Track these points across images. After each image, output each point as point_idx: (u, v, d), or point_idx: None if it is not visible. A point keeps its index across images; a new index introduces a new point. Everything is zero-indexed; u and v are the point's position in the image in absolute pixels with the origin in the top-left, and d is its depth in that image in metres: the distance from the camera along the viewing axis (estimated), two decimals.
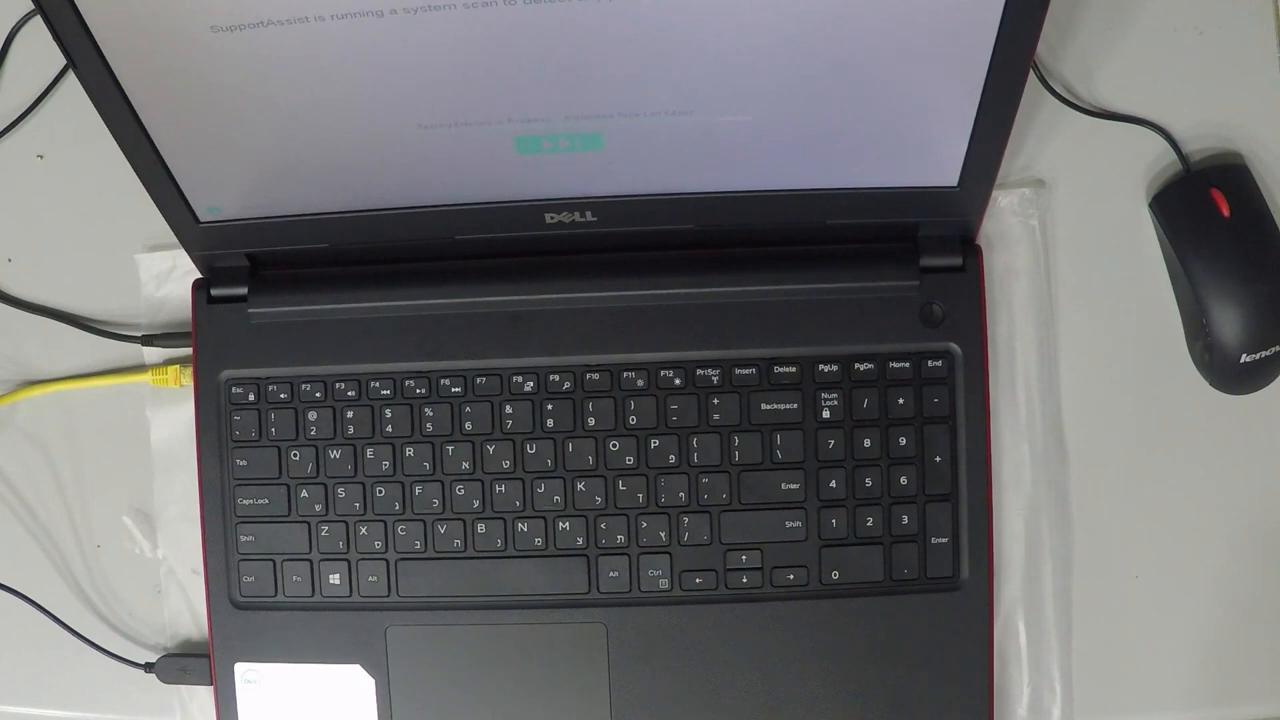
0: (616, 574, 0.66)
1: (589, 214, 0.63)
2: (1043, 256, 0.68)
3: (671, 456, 0.65)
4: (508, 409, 0.66)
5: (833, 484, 0.65)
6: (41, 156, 0.72)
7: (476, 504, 0.66)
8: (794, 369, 0.65)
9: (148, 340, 0.70)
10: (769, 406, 0.65)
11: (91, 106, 0.57)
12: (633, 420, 0.66)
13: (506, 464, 0.66)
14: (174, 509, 0.70)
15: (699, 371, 0.66)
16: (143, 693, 0.70)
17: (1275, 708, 0.68)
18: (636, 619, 0.66)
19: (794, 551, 0.65)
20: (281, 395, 0.67)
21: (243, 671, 0.67)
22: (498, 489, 0.66)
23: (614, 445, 0.66)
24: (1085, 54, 0.69)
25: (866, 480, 0.65)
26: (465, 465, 0.66)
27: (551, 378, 0.66)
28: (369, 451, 0.66)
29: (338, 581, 0.66)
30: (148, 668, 0.69)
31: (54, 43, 0.54)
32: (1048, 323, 0.68)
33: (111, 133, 0.58)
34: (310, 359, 0.67)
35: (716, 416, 0.65)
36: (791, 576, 0.65)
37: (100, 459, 0.71)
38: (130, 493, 0.71)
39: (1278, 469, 0.68)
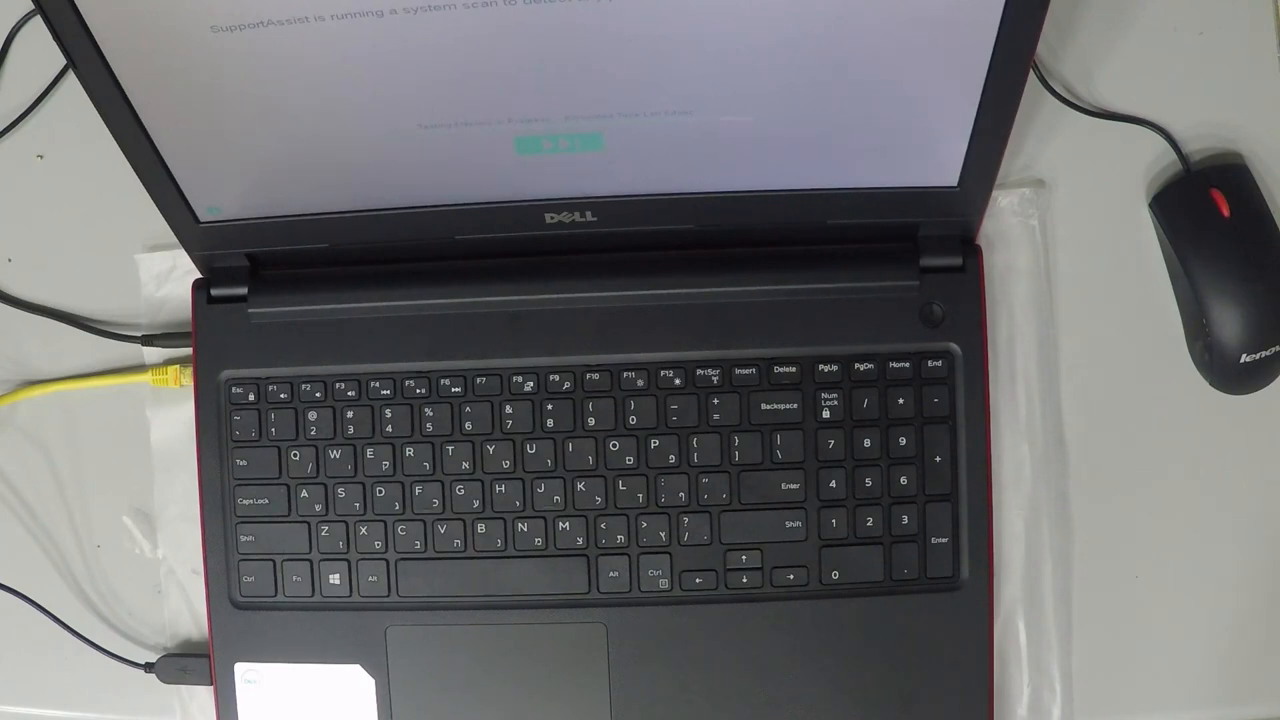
0: (616, 574, 0.66)
1: (589, 214, 0.63)
2: (1043, 256, 0.68)
3: (671, 456, 0.65)
4: (508, 409, 0.66)
5: (833, 484, 0.65)
6: (41, 156, 0.72)
7: (476, 504, 0.66)
8: (794, 369, 0.65)
9: (148, 340, 0.70)
10: (769, 406, 0.65)
11: (91, 106, 0.57)
12: (633, 420, 0.66)
13: (506, 464, 0.66)
14: (174, 509, 0.70)
15: (699, 371, 0.65)
16: (143, 693, 0.70)
17: (1276, 708, 0.68)
18: (636, 619, 0.65)
19: (794, 551, 0.65)
20: (281, 395, 0.67)
21: (243, 671, 0.67)
22: (498, 489, 0.66)
23: (614, 445, 0.66)
24: (1085, 54, 0.69)
25: (866, 480, 0.65)
26: (465, 465, 0.66)
27: (551, 378, 0.66)
28: (369, 451, 0.66)
29: (338, 581, 0.66)
30: (148, 668, 0.69)
31: (54, 43, 0.54)
32: (1048, 323, 0.68)
33: (111, 133, 0.58)
34: (310, 359, 0.67)
35: (716, 416, 0.65)
36: (791, 576, 0.65)
37: (100, 459, 0.71)
38: (130, 493, 0.71)
39: (1278, 469, 0.68)
